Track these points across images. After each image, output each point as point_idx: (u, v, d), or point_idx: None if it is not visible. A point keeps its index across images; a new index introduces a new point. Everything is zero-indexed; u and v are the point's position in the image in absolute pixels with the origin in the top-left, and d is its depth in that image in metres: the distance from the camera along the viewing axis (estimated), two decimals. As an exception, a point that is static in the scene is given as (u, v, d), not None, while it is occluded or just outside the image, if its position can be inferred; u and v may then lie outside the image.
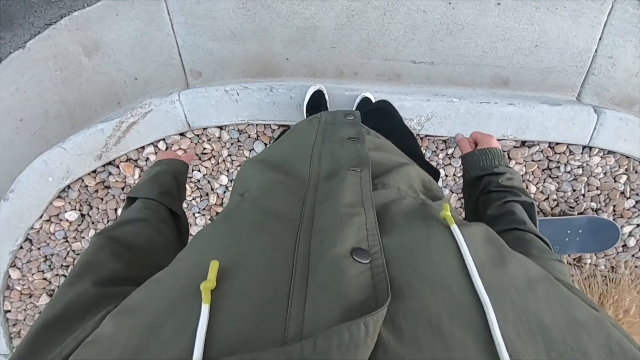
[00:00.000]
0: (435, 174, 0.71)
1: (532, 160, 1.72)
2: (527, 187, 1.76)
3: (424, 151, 1.70)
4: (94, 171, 1.67)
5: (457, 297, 0.27)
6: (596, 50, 1.66)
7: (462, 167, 0.72)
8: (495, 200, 0.61)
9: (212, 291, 0.27)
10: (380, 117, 0.97)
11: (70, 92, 1.66)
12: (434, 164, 1.72)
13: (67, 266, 1.83)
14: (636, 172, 1.74)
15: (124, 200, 1.72)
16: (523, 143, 1.70)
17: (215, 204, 1.76)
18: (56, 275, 1.84)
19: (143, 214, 0.58)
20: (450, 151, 1.70)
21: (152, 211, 0.59)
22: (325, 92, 1.55)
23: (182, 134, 1.64)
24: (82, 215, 1.75)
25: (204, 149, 1.67)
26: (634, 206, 1.80)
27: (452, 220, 0.34)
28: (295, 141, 0.59)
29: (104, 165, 1.66)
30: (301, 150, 0.53)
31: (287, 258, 0.31)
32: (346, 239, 0.31)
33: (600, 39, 1.64)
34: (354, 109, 1.55)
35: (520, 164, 1.72)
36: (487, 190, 0.63)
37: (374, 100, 1.54)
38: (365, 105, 1.52)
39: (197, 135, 1.65)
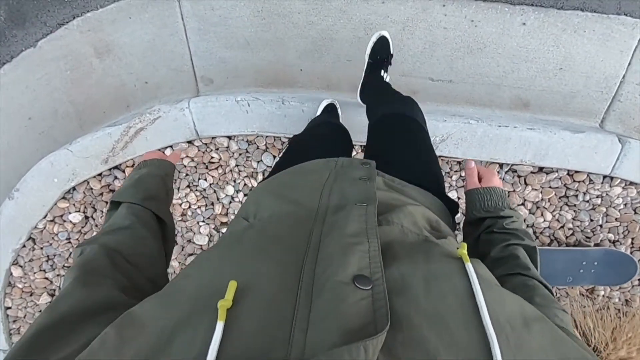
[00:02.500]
0: (453, 206, 0.69)
1: (550, 187, 1.66)
2: (542, 214, 1.70)
3: (436, 172, 1.64)
4: (100, 174, 1.65)
5: (457, 332, 0.28)
6: (624, 77, 1.58)
7: (465, 203, 0.71)
8: (498, 242, 0.60)
9: (227, 310, 0.28)
10: (402, 129, 0.90)
11: (80, 93, 1.64)
12: (446, 185, 1.67)
13: (69, 267, 1.81)
14: (659, 205, 1.67)
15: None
16: (541, 169, 1.63)
17: (220, 214, 1.73)
18: (58, 275, 1.83)
19: (129, 220, 0.56)
20: (464, 174, 1.65)
21: (138, 218, 0.58)
22: (338, 106, 1.50)
23: (190, 142, 1.61)
24: (86, 218, 1.73)
25: (212, 157, 1.64)
26: (653, 240, 1.72)
27: (468, 258, 0.35)
28: (309, 176, 0.59)
29: (110, 169, 1.64)
30: (313, 185, 0.53)
31: (293, 285, 0.32)
32: (348, 267, 0.32)
33: (629, 64, 1.56)
34: (367, 51, 1.37)
35: (536, 190, 1.66)
36: (490, 230, 0.63)
37: (391, 42, 1.36)
38: (383, 49, 1.35)
39: (205, 144, 1.62)
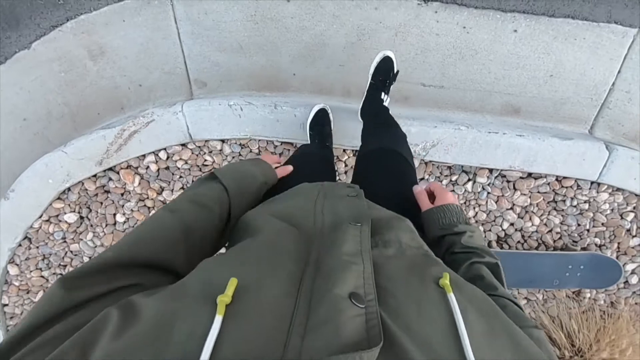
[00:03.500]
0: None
1: (538, 192, 1.68)
2: (530, 219, 1.73)
3: (427, 176, 1.67)
4: (95, 176, 1.67)
5: (442, 357, 0.29)
6: (613, 84, 1.60)
7: (422, 226, 0.71)
8: (460, 262, 0.60)
9: (226, 306, 0.29)
10: (387, 162, 0.93)
11: (74, 94, 1.65)
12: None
13: (65, 266, 1.84)
14: (645, 210, 1.70)
15: (122, 205, 1.72)
16: (530, 174, 1.66)
17: (213, 215, 1.75)
18: (53, 274, 1.85)
19: (211, 204, 0.59)
20: (454, 178, 1.67)
21: (219, 204, 0.60)
22: (329, 111, 1.52)
23: (183, 145, 1.63)
24: (81, 218, 1.75)
25: (205, 160, 1.65)
26: (639, 245, 1.75)
27: (450, 289, 0.36)
28: (298, 197, 0.61)
29: (104, 171, 1.66)
30: (304, 205, 0.55)
31: (292, 293, 0.34)
32: (346, 283, 0.34)
33: (619, 72, 1.58)
34: (371, 71, 1.38)
35: (525, 195, 1.68)
36: (451, 251, 0.63)
37: (395, 63, 1.37)
38: (386, 70, 1.36)
39: (199, 147, 1.64)
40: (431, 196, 0.74)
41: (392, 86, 1.39)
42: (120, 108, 1.69)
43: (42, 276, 1.85)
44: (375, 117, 1.29)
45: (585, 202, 1.69)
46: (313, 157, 1.15)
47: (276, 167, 0.82)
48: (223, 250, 0.56)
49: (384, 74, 1.36)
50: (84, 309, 0.35)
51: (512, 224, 1.75)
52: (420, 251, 0.45)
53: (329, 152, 1.46)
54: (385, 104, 1.37)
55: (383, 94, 1.36)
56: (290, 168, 0.85)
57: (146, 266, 0.44)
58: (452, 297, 0.35)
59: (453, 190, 1.70)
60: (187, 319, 0.29)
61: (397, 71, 1.37)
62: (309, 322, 0.30)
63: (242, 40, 1.56)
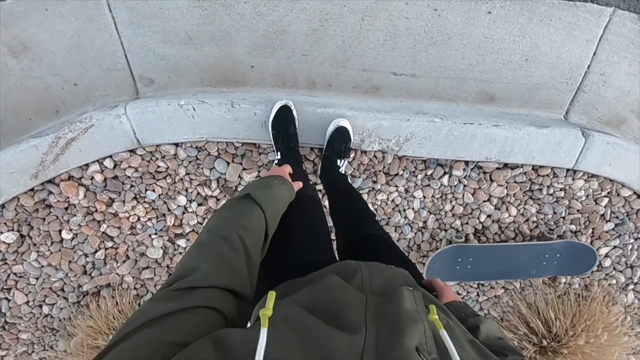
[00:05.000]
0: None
1: (515, 182, 1.63)
2: (507, 210, 1.68)
3: (401, 172, 1.57)
4: (32, 190, 1.47)
5: None
6: (589, 67, 1.54)
7: None
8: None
9: (269, 318, 0.34)
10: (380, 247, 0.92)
11: (-2, 98, 1.42)
12: (411, 184, 1.60)
13: (9, 289, 1.65)
14: (618, 195, 1.68)
15: (67, 220, 1.54)
16: (506, 164, 1.59)
17: (173, 225, 1.60)
18: (-4, 298, 1.66)
19: (260, 232, 0.60)
20: (429, 172, 1.58)
21: (262, 229, 0.62)
22: (292, 107, 1.37)
23: (131, 151, 1.45)
24: (22, 236, 1.56)
25: (158, 167, 1.49)
26: (612, 229, 1.75)
27: (441, 325, 0.38)
28: (340, 264, 0.60)
29: (42, 184, 1.46)
30: (348, 266, 0.57)
31: (361, 332, 0.37)
32: (412, 337, 0.36)
33: (594, 54, 1.51)
34: (326, 138, 1.40)
35: (502, 185, 1.63)
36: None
37: (350, 130, 1.38)
38: (340, 138, 1.37)
39: (150, 152, 1.46)
40: (430, 291, 0.71)
41: (349, 150, 1.42)
42: (55, 112, 1.48)
43: (-17, 302, 1.66)
44: (341, 193, 1.28)
45: (561, 189, 1.65)
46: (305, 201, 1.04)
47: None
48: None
49: (339, 143, 1.38)
50: (173, 318, 0.37)
51: (489, 216, 1.69)
52: (467, 335, 0.46)
53: (307, 182, 1.37)
54: (342, 169, 1.41)
55: (339, 160, 1.39)
56: (300, 184, 0.86)
57: (222, 289, 0.46)
58: (443, 333, 0.37)
59: (429, 185, 1.61)
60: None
61: (351, 142, 1.40)
62: None
63: (189, 29, 1.38)
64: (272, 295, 0.35)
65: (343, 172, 1.42)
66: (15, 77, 1.40)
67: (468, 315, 0.62)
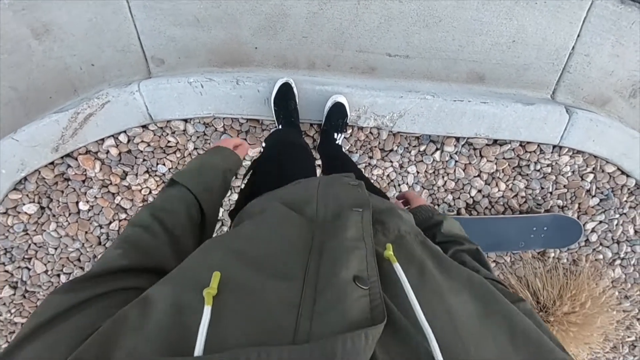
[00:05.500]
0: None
1: (504, 158, 1.72)
2: (497, 185, 1.77)
3: (396, 148, 1.67)
4: (52, 163, 1.59)
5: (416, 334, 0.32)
6: (573, 48, 1.63)
7: None
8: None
9: (214, 297, 0.31)
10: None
11: (21, 77, 1.54)
12: (405, 160, 1.70)
13: (29, 258, 1.77)
14: (603, 171, 1.77)
15: (84, 192, 1.66)
16: (495, 141, 1.69)
17: (182, 198, 1.71)
18: (18, 267, 1.78)
19: (180, 209, 0.59)
20: (422, 148, 1.68)
21: (187, 207, 0.60)
22: (293, 85, 1.48)
23: (144, 127, 1.56)
24: (42, 208, 1.68)
25: (168, 142, 1.60)
26: (598, 204, 1.84)
27: (395, 259, 0.38)
28: (301, 186, 0.63)
29: (62, 157, 1.58)
30: (307, 194, 0.57)
31: (298, 279, 0.35)
32: (349, 267, 0.36)
33: (578, 36, 1.60)
34: (324, 114, 1.52)
35: (491, 161, 1.72)
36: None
37: (347, 106, 1.50)
38: (338, 114, 1.48)
39: (161, 128, 1.58)
40: (406, 204, 0.84)
41: (345, 125, 1.53)
42: (73, 90, 1.60)
43: (6, 271, 1.78)
44: (334, 159, 1.39)
45: (547, 165, 1.74)
46: (295, 150, 1.13)
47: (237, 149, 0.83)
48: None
49: (336, 118, 1.49)
50: (88, 308, 0.36)
51: (479, 191, 1.79)
52: (418, 238, 0.47)
53: (299, 134, 1.48)
54: (339, 141, 1.52)
55: (336, 134, 1.50)
56: (247, 145, 0.86)
57: (142, 270, 0.46)
58: (397, 266, 0.37)
59: (422, 161, 1.71)
60: (181, 314, 0.30)
61: (347, 118, 1.52)
62: (315, 307, 0.32)
63: (198, 13, 1.49)
64: (216, 276, 0.32)
65: (339, 143, 1.52)
66: (38, 57, 1.51)
67: (434, 215, 0.70)
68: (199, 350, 0.26)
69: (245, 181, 0.94)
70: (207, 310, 0.29)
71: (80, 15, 1.45)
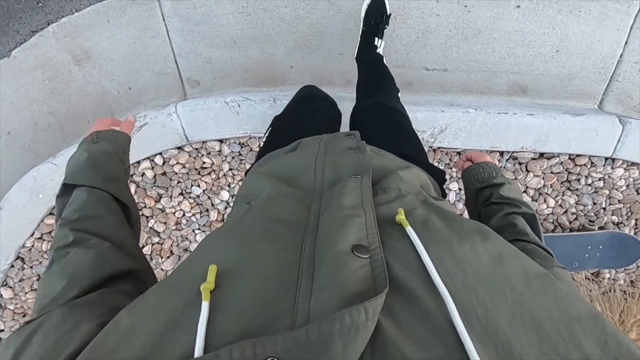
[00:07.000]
0: (440, 175, 0.69)
1: (551, 173, 1.63)
2: (545, 201, 1.67)
3: (436, 163, 1.60)
4: (88, 187, 1.58)
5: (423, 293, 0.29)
6: (621, 55, 1.55)
7: (463, 185, 0.79)
8: (496, 212, 0.63)
9: (211, 292, 0.29)
10: (382, 115, 0.93)
11: (60, 103, 1.56)
12: (447, 177, 1.63)
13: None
14: (661, 184, 1.65)
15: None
16: (542, 155, 1.60)
17: (216, 220, 1.67)
18: (50, 294, 1.75)
19: (97, 208, 0.53)
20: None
21: (103, 204, 0.55)
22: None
23: (180, 148, 1.55)
24: (76, 233, 1.66)
25: (204, 163, 1.57)
26: (657, 220, 1.71)
27: (407, 223, 0.35)
28: (299, 155, 0.60)
29: (97, 181, 1.57)
30: (305, 161, 0.54)
31: (295, 259, 0.33)
32: (347, 237, 0.33)
33: (625, 43, 1.53)
34: (362, 15, 1.37)
35: (538, 176, 1.63)
36: (488, 202, 0.66)
37: (387, 3, 1.35)
38: (376, 9, 1.34)
39: (196, 149, 1.56)
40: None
41: (385, 30, 1.37)
42: (110, 114, 1.60)
43: (38, 297, 1.75)
44: (369, 70, 1.26)
45: (600, 179, 1.63)
46: (314, 103, 1.06)
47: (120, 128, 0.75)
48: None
49: (375, 16, 1.33)
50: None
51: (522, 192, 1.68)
52: (419, 197, 0.45)
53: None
54: (380, 50, 1.34)
55: (377, 39, 1.33)
56: (131, 119, 0.79)
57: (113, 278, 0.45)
58: (410, 230, 0.34)
59: (464, 177, 1.63)
60: (187, 312, 0.29)
61: (390, 14, 1.35)
62: (313, 284, 0.30)
63: (234, 34, 1.49)
64: (213, 269, 0.31)
65: (380, 52, 1.36)
66: (77, 83, 1.54)
67: (497, 176, 0.68)
68: (198, 349, 0.25)
69: (264, 139, 0.90)
70: (204, 307, 0.27)
71: (121, 41, 1.47)
